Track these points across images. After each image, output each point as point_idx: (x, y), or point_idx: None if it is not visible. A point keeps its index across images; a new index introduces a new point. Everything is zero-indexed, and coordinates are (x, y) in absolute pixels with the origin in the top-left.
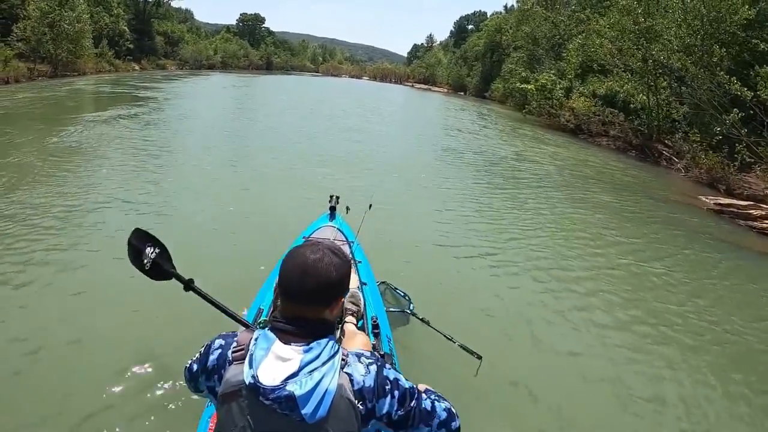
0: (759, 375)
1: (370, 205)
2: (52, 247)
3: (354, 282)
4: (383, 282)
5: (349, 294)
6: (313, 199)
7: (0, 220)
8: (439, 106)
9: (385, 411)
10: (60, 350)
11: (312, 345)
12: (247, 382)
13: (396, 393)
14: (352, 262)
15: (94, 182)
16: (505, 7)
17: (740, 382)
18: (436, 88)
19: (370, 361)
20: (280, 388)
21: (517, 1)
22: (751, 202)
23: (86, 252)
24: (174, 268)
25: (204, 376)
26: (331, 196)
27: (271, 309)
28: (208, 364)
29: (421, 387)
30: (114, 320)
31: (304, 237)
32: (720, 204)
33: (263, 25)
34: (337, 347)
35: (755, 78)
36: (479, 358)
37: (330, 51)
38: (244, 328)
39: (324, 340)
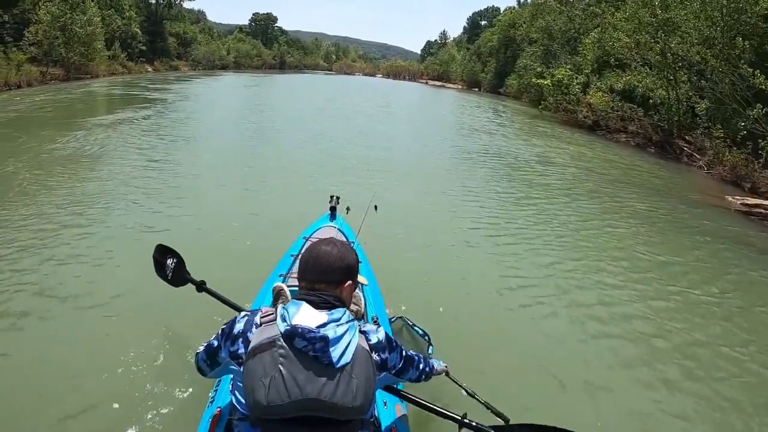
0: None
1: (376, 207)
2: (51, 245)
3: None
4: (400, 317)
5: None
6: (315, 200)
7: (12, 227)
8: (453, 104)
9: (393, 363)
10: (61, 352)
11: (334, 311)
12: (282, 331)
13: (397, 349)
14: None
15: (98, 184)
16: (518, 1)
17: None
18: (450, 85)
19: (378, 327)
20: (316, 331)
21: None
22: None
23: (87, 250)
24: (188, 273)
25: (229, 343)
26: (332, 197)
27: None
28: (234, 330)
29: None
30: (114, 322)
31: (304, 237)
32: (747, 204)
33: (276, 25)
34: (352, 317)
35: None
36: (506, 421)
37: (343, 49)
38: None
39: (341, 309)
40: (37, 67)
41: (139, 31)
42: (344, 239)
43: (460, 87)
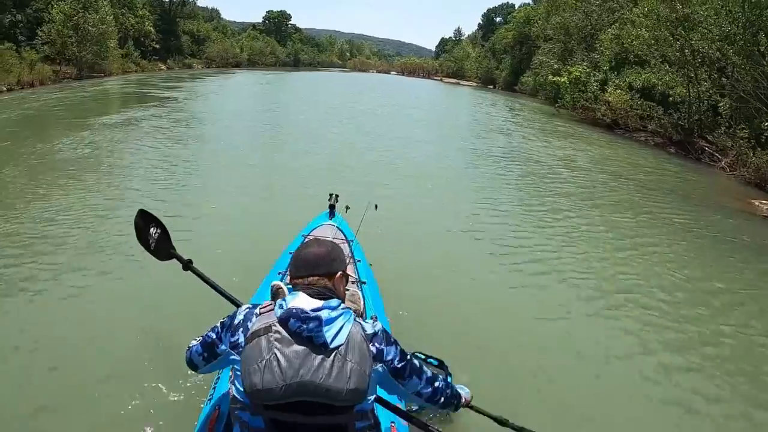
0: None
1: (376, 206)
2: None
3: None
4: (413, 354)
5: (348, 293)
6: (316, 202)
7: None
8: (468, 101)
9: (390, 357)
10: (57, 347)
11: (330, 301)
12: (277, 316)
13: (398, 346)
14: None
15: (102, 179)
16: None
17: None
18: (465, 82)
19: (374, 322)
20: (309, 312)
21: None
22: None
23: (78, 242)
24: (174, 248)
25: (229, 334)
26: (331, 195)
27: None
28: (235, 321)
29: None
30: (112, 317)
31: (303, 235)
32: None
33: (290, 22)
34: (348, 309)
35: None
36: None
37: (357, 46)
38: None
39: (338, 300)
40: (50, 65)
41: (152, 30)
42: (343, 237)
43: (474, 84)
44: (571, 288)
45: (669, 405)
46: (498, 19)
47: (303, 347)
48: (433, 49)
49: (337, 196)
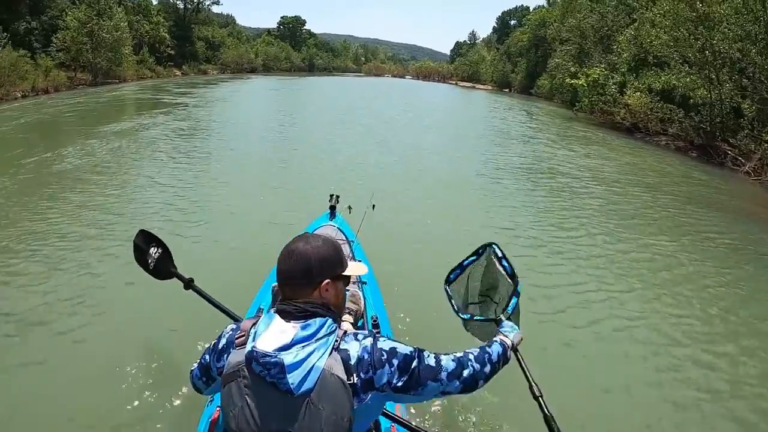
0: None
1: (374, 206)
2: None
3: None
4: (490, 245)
5: (349, 294)
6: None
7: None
8: (483, 106)
9: (385, 381)
10: (61, 352)
11: (309, 323)
12: (245, 355)
13: (395, 361)
14: (340, 245)
15: (106, 190)
16: (548, 0)
17: None
18: (480, 86)
19: (365, 335)
20: (273, 355)
21: None
22: None
23: (92, 251)
24: (175, 267)
25: (215, 358)
26: (332, 195)
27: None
28: (219, 345)
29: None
30: (114, 323)
31: None
32: None
33: (304, 27)
34: (334, 327)
35: None
36: None
37: (372, 51)
38: (249, 317)
39: (321, 320)
40: (66, 72)
41: (167, 36)
42: (343, 238)
43: (490, 88)
44: (581, 295)
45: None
46: (513, 22)
47: (268, 393)
48: (448, 52)
49: (338, 197)
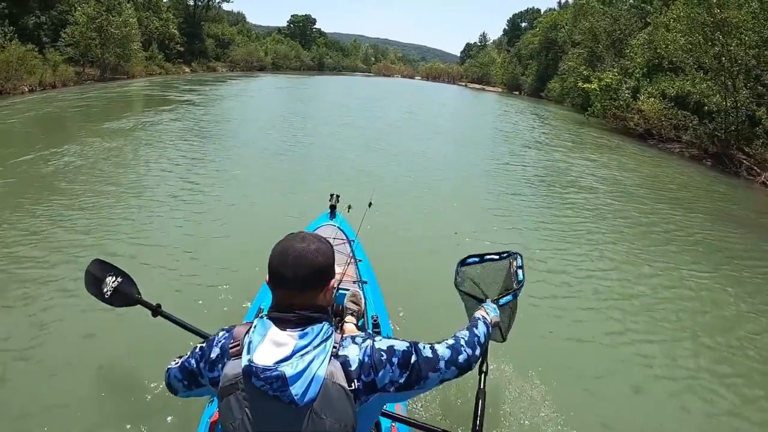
0: None
1: (370, 203)
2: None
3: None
4: (512, 253)
5: (350, 293)
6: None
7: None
8: (493, 109)
9: (387, 381)
10: (62, 353)
11: (307, 330)
12: (242, 368)
13: (394, 360)
14: (348, 252)
15: (104, 190)
16: (559, 3)
17: None
18: (490, 88)
19: (363, 338)
20: (273, 368)
21: None
22: None
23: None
24: (139, 294)
25: (207, 368)
26: (332, 195)
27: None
28: (212, 355)
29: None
30: (115, 324)
31: None
32: None
33: (314, 26)
34: (330, 332)
35: None
36: None
37: (382, 51)
38: (240, 324)
39: (318, 326)
40: (74, 67)
41: (176, 33)
42: (344, 237)
43: (500, 90)
44: (583, 300)
45: None
46: (524, 24)
47: (271, 406)
48: (459, 54)
49: (338, 196)
